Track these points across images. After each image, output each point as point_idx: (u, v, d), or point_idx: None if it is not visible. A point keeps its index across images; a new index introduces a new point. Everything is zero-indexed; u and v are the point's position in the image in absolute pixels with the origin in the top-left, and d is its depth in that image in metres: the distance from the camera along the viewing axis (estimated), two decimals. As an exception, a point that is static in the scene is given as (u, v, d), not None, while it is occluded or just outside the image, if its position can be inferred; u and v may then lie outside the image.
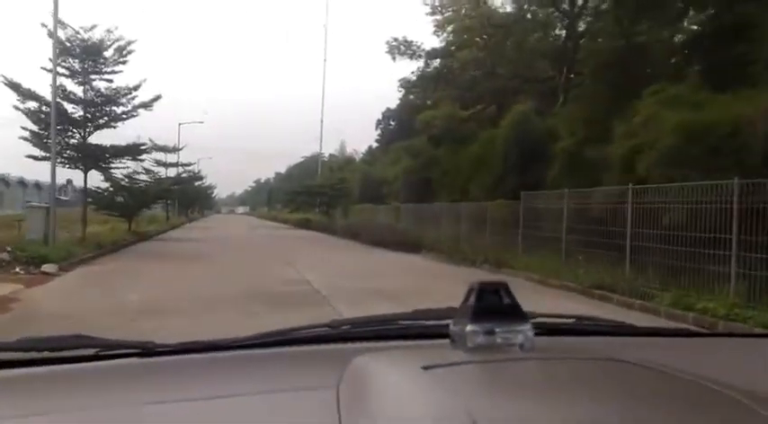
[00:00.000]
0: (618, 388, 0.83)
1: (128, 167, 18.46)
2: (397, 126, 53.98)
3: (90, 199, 20.51)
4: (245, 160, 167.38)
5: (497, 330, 0.90)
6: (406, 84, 56.13)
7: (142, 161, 18.15)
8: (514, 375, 0.86)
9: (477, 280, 0.93)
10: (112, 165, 17.13)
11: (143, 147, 17.07)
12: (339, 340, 1.13)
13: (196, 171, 46.73)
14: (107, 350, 1.03)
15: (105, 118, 15.72)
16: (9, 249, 10.54)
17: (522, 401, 0.76)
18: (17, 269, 9.95)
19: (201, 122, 45.31)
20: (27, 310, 6.88)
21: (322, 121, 45.29)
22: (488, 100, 32.00)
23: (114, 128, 15.84)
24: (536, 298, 8.80)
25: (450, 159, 27.27)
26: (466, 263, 14.08)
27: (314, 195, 38.87)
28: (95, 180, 21.27)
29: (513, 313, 0.92)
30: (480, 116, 30.61)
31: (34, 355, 1.00)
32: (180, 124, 41.64)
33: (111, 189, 21.02)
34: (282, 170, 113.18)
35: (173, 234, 26.82)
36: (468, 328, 0.90)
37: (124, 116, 15.98)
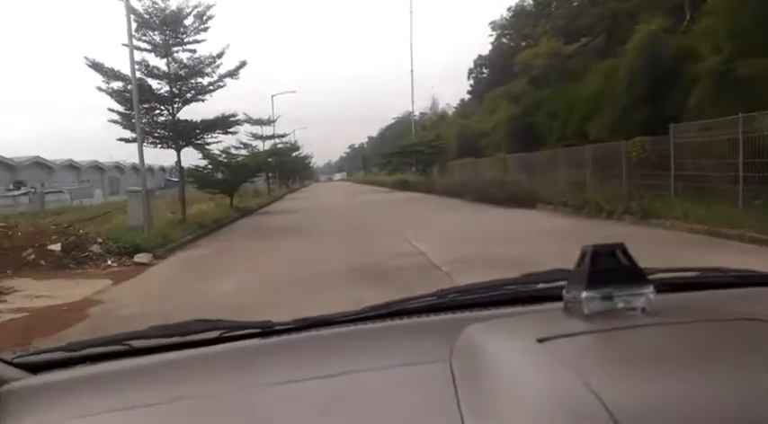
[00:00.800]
0: (755, 350, 0.76)
1: (220, 141, 17.76)
2: (491, 73, 50.88)
3: (190, 178, 20.28)
4: (339, 127, 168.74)
5: (615, 294, 0.85)
6: (499, 27, 52.82)
7: (235, 133, 17.39)
8: (635, 344, 0.80)
9: (592, 244, 0.86)
10: (206, 141, 16.42)
11: (234, 119, 16.15)
12: (449, 309, 1.12)
13: (292, 141, 46.78)
14: (229, 332, 1.06)
15: (192, 91, 14.90)
16: (100, 240, 9.93)
17: (647, 371, 0.70)
18: (109, 262, 9.33)
19: (294, 92, 44.86)
20: (107, 314, 6.00)
21: (412, 72, 42.86)
22: (596, 30, 28.54)
23: (203, 100, 15.02)
24: (716, 256, 6.81)
25: (557, 100, 24.62)
26: (600, 216, 12.05)
27: (410, 154, 37.32)
28: (194, 158, 21.02)
29: (633, 275, 0.86)
30: (587, 49, 27.36)
31: (163, 341, 1.05)
32: (273, 96, 41.45)
33: (210, 165, 20.64)
34: (375, 133, 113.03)
35: (275, 207, 26.48)
36: (585, 294, 0.84)
37: (211, 87, 15.12)
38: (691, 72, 14.46)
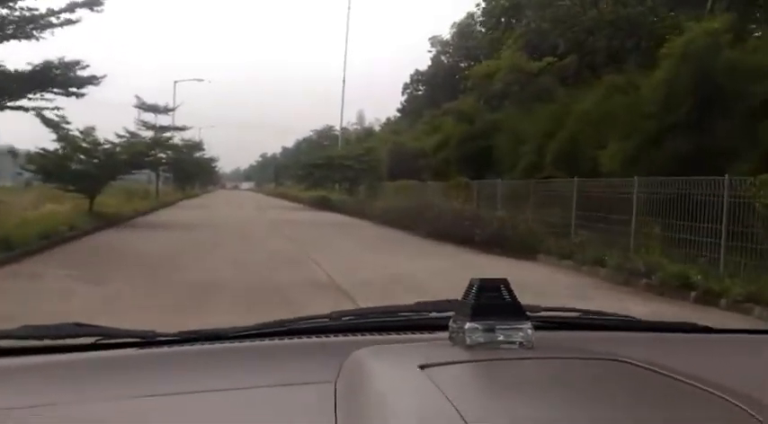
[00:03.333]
0: (618, 390, 0.83)
1: (59, 108, 11.42)
2: (429, 90, 47.00)
3: (31, 166, 13.92)
4: (251, 133, 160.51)
5: (497, 327, 0.89)
6: (439, 44, 49.23)
7: (82, 96, 11.25)
8: (512, 375, 0.85)
9: (477, 277, 0.91)
10: (37, 106, 10.28)
11: (79, 68, 10.14)
12: (339, 332, 1.12)
13: (197, 140, 39.99)
14: (106, 339, 1.01)
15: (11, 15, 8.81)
16: None
17: (517, 401, 0.76)
18: None
19: (201, 80, 38.25)
20: None
21: (344, 81, 37.77)
22: (563, 50, 24.88)
23: (35, 38, 8.95)
24: None
25: (527, 122, 20.38)
26: (679, 294, 7.39)
27: (335, 169, 32.06)
28: (43, 139, 14.61)
29: (514, 311, 0.91)
30: (558, 68, 23.65)
31: (34, 343, 0.99)
32: (176, 82, 34.91)
33: (63, 150, 14.37)
34: (290, 144, 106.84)
35: (159, 216, 20.21)
36: (468, 325, 0.89)
37: (50, 19, 9.09)
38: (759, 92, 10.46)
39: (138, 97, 27.93)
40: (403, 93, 49.10)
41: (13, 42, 8.88)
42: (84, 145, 14.49)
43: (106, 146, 14.87)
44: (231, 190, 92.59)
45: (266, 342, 1.06)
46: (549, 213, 12.18)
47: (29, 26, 9.01)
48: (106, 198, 17.85)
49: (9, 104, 9.80)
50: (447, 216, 14.18)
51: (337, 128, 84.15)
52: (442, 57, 47.61)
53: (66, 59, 9.79)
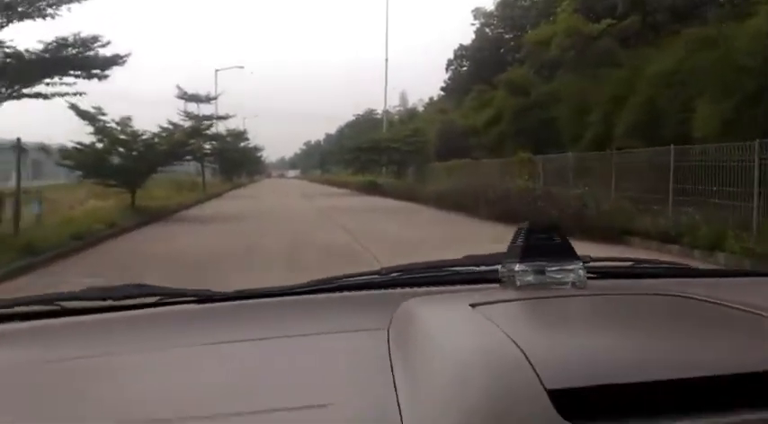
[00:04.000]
0: (675, 321, 0.81)
1: (80, 93, 10.48)
2: (473, 65, 45.09)
3: (68, 161, 13.29)
4: (294, 122, 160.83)
5: (548, 268, 0.89)
6: (483, 15, 47.12)
7: (105, 77, 10.24)
8: (563, 311, 0.85)
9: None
10: (56, 90, 9.37)
11: (98, 45, 9.13)
12: (389, 286, 1.12)
13: (241, 130, 39.39)
14: (166, 298, 1.04)
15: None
16: None
17: (571, 333, 0.75)
18: None
19: (242, 67, 37.20)
20: None
21: (387, 61, 36.37)
22: (626, 8, 22.76)
23: (47, 17, 8.04)
24: None
25: (594, 89, 18.66)
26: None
27: (381, 152, 30.87)
28: (80, 134, 13.94)
29: (565, 252, 0.90)
30: (619, 30, 21.63)
31: (96, 303, 1.02)
32: (217, 70, 34.32)
33: (102, 142, 13.70)
34: (333, 131, 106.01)
35: (205, 209, 19.49)
36: (518, 267, 0.89)
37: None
38: None
39: (179, 87, 27.36)
40: (447, 70, 47.32)
41: (29, 23, 7.98)
42: (122, 137, 13.74)
43: (144, 137, 14.08)
44: (277, 179, 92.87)
45: (317, 296, 1.07)
46: (637, 188, 10.63)
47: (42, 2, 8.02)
48: (152, 190, 17.24)
49: (25, 91, 8.92)
50: (513, 195, 12.79)
51: (379, 111, 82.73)
52: (486, 30, 45.54)
53: (83, 35, 8.83)
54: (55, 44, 8.61)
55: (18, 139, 9.01)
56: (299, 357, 0.81)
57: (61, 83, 9.27)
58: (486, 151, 26.13)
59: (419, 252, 8.43)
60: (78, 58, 9.06)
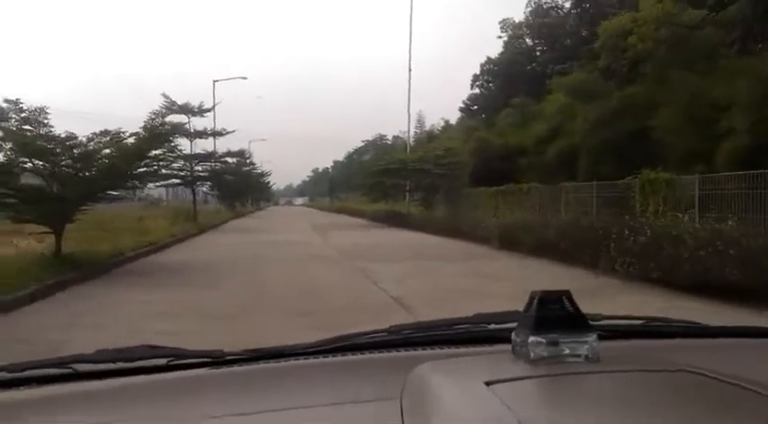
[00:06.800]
0: (685, 401, 0.80)
1: None
2: (502, 81, 40.37)
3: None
4: (302, 149, 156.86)
5: (561, 340, 0.87)
6: (511, 27, 42.65)
7: None
8: (577, 390, 0.85)
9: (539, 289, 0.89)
10: None
11: None
12: (400, 346, 1.11)
13: (246, 155, 34.40)
14: (177, 360, 1.04)
15: None
16: None
17: (584, 416, 0.75)
18: None
19: (245, 78, 32.34)
20: None
21: (410, 70, 31.59)
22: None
23: None
24: None
25: (713, 90, 13.64)
26: None
27: (407, 175, 25.87)
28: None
29: (577, 322, 0.89)
30: (723, 18, 16.75)
31: (109, 366, 1.02)
32: (215, 81, 29.70)
33: (11, 153, 8.86)
34: (340, 157, 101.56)
35: (181, 250, 14.39)
36: (531, 339, 0.87)
37: None
38: None
39: (164, 95, 22.52)
40: (473, 86, 42.55)
41: None
42: (39, 143, 8.74)
43: (74, 143, 8.91)
44: (284, 206, 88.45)
45: (329, 359, 1.06)
46: None
47: None
48: (108, 224, 12.13)
49: None
50: (668, 237, 7.65)
51: (389, 136, 77.66)
52: (522, 40, 40.96)
53: None
54: None
55: None
56: None
57: None
58: (541, 173, 21.10)
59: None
60: None
